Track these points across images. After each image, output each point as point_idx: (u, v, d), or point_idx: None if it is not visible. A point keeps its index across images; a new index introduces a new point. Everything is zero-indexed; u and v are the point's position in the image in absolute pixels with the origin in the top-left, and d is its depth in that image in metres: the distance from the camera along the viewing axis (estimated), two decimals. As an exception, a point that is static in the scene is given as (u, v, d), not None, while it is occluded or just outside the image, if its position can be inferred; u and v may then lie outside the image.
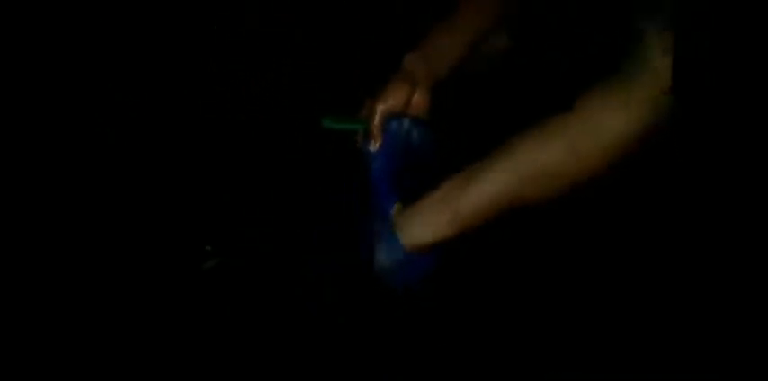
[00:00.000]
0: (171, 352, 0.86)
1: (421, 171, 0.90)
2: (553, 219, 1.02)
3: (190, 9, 1.20)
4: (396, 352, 0.89)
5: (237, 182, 1.04)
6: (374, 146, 0.86)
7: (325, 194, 0.95)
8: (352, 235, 0.87)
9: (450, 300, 0.93)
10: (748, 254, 0.98)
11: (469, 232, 0.78)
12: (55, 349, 0.85)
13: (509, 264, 0.96)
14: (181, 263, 0.94)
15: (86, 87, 1.11)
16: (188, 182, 1.03)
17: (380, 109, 0.85)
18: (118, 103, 1.10)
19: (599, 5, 0.86)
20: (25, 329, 0.86)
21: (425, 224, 0.79)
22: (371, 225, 0.84)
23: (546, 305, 0.93)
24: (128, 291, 0.91)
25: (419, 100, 0.88)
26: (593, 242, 1.00)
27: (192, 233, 0.98)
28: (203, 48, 1.18)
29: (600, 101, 0.71)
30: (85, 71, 1.12)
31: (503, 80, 1.03)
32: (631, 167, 1.07)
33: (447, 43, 0.89)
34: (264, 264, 0.94)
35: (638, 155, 0.70)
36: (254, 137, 1.07)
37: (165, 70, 1.15)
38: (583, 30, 0.89)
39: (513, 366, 0.88)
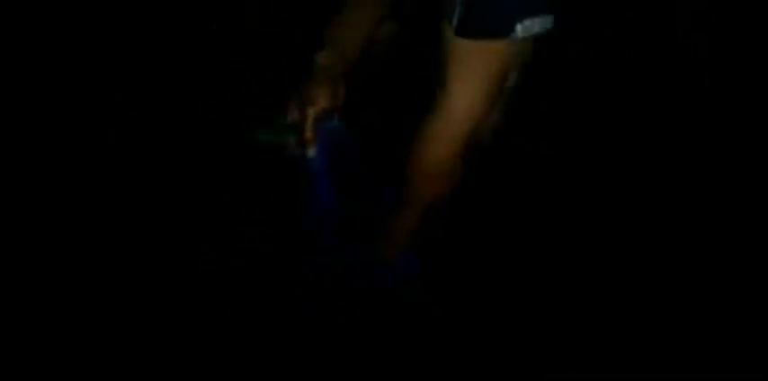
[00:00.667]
0: (168, 351, 0.86)
1: (351, 162, 0.92)
2: (545, 217, 1.02)
3: (190, 9, 1.20)
4: (387, 351, 0.89)
5: (236, 181, 1.04)
6: (312, 151, 0.86)
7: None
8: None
9: (435, 300, 0.94)
10: (748, 254, 0.98)
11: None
12: (55, 350, 0.85)
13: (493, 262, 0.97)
14: (182, 262, 0.94)
15: (86, 87, 1.11)
16: (188, 183, 1.03)
17: (312, 113, 0.85)
18: (118, 103, 1.10)
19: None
20: (25, 329, 0.86)
21: None
22: (314, 225, 0.86)
23: (531, 302, 0.93)
24: (127, 291, 0.91)
25: (342, 94, 0.87)
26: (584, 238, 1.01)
27: (192, 233, 0.98)
28: (203, 48, 1.18)
29: None
30: (85, 71, 1.12)
31: (401, 63, 1.05)
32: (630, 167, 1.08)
33: (351, 35, 0.90)
34: (263, 264, 0.94)
35: None
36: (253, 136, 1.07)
37: (165, 70, 1.15)
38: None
39: (502, 363, 0.88)
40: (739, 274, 0.96)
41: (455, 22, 0.79)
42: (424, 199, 0.91)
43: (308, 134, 0.85)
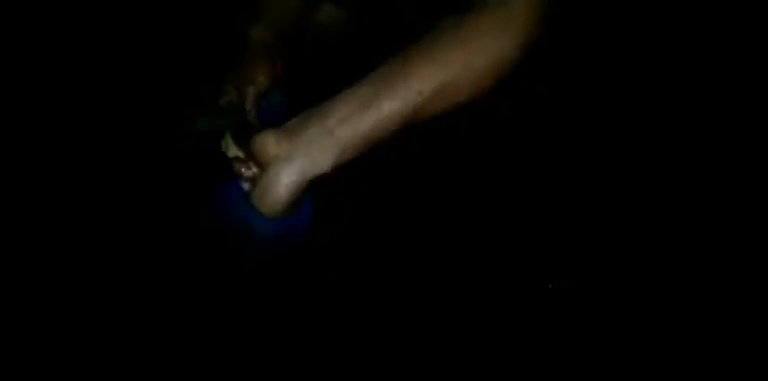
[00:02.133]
0: (164, 351, 0.86)
1: None
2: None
3: (190, 9, 1.20)
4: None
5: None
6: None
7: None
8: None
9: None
10: (748, 254, 0.98)
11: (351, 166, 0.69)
12: (55, 350, 0.85)
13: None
14: (177, 261, 0.94)
15: (86, 87, 1.11)
16: (187, 183, 1.03)
17: (251, 92, 0.80)
18: (118, 103, 1.10)
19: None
20: (25, 329, 0.86)
21: (308, 154, 0.66)
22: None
23: (530, 302, 0.93)
24: (126, 291, 0.91)
25: (280, 70, 0.83)
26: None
27: (189, 233, 0.97)
28: (203, 48, 1.17)
29: (487, 21, 0.69)
30: (85, 71, 1.12)
31: (346, 41, 0.99)
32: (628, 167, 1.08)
33: (286, 9, 0.87)
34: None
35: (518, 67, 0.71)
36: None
37: (165, 70, 1.15)
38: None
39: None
40: (739, 274, 0.96)
41: None
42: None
43: (250, 115, 0.80)
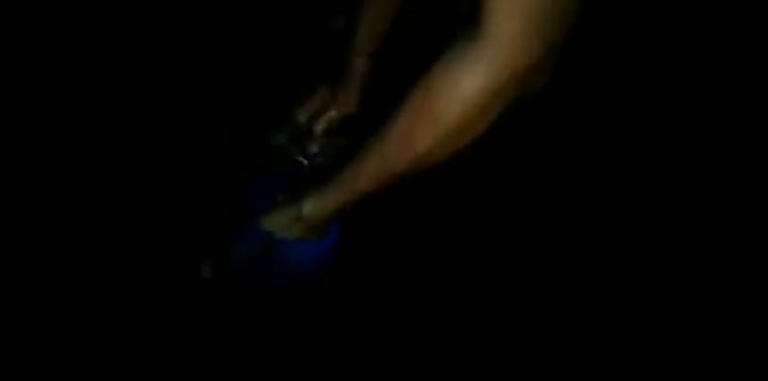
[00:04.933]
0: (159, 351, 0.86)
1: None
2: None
3: (190, 9, 1.20)
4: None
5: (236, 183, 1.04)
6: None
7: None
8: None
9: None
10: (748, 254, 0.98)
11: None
12: (54, 350, 0.85)
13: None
14: (170, 263, 0.94)
15: (86, 87, 1.11)
16: (187, 183, 1.03)
17: (329, 119, 0.88)
18: (118, 103, 1.10)
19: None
20: (25, 330, 0.86)
21: (323, 197, 0.76)
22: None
23: (530, 303, 0.94)
24: (125, 291, 0.91)
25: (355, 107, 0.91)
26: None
27: (187, 236, 0.97)
28: (203, 48, 1.17)
29: (457, 63, 0.62)
30: (85, 71, 1.12)
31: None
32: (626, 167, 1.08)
33: (374, 31, 0.90)
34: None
35: (497, 113, 0.64)
36: (252, 135, 1.07)
37: (165, 70, 1.14)
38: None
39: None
40: (739, 274, 0.96)
41: None
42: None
43: (316, 141, 0.87)
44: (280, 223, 0.78)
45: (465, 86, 0.61)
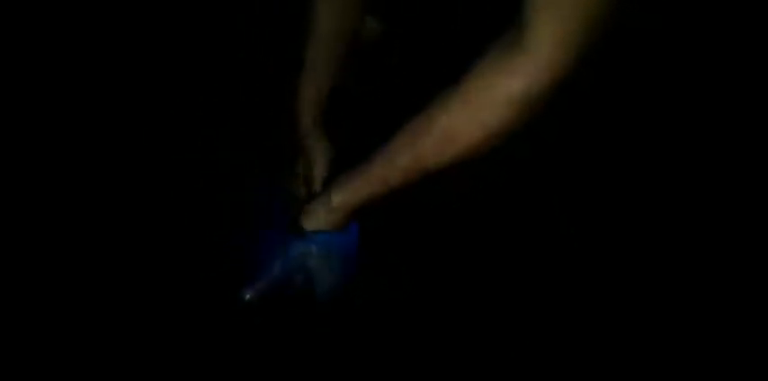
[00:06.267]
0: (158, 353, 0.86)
1: None
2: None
3: (189, 9, 1.20)
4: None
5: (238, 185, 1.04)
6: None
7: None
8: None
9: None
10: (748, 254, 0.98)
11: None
12: (55, 350, 0.85)
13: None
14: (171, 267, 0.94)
15: (86, 87, 1.11)
16: (186, 183, 1.03)
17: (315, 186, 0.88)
18: (118, 103, 1.10)
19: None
20: (25, 331, 0.86)
21: (353, 188, 0.78)
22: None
23: (529, 304, 0.93)
24: (124, 293, 0.91)
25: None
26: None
27: (188, 238, 0.97)
28: (203, 48, 1.17)
29: (494, 69, 0.66)
30: (85, 71, 1.12)
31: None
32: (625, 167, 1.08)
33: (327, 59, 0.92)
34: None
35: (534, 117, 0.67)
36: (251, 135, 1.07)
37: (165, 70, 1.14)
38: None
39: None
40: (739, 274, 0.96)
41: None
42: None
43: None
44: (319, 219, 0.81)
45: (510, 90, 0.65)
